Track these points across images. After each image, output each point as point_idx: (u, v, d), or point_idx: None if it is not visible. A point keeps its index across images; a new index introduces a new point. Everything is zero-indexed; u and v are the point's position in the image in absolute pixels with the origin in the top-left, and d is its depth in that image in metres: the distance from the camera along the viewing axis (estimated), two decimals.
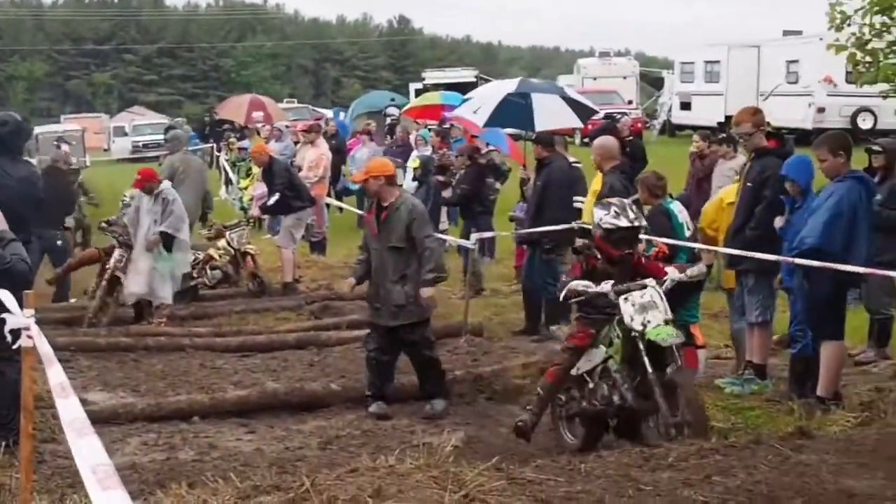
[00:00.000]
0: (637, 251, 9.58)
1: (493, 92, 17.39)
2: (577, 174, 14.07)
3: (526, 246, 14.46)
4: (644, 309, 8.85)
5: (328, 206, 22.15)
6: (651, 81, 57.17)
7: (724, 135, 17.03)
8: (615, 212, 9.21)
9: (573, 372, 9.35)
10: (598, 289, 9.01)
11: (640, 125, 38.99)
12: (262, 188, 18.83)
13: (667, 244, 10.74)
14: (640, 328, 8.75)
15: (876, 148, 11.97)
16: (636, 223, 9.27)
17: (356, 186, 22.69)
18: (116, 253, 13.94)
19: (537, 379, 10.72)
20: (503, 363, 11.50)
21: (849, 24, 9.78)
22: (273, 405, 10.16)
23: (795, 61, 40.10)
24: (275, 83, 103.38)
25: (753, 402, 10.00)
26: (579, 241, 9.94)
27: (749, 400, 10.05)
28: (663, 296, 9.01)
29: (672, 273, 9.34)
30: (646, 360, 8.73)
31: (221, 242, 16.50)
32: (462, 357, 12.29)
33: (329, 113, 44.62)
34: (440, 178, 17.40)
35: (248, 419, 9.85)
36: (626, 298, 8.91)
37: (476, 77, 45.88)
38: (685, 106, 46.53)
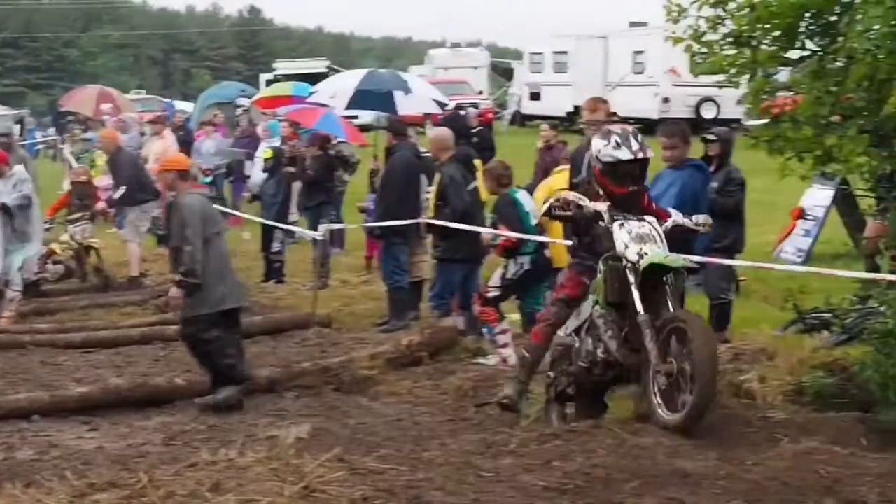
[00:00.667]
0: (645, 188, 8.62)
1: (347, 81, 17.49)
2: (424, 164, 14.14)
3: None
4: (642, 239, 7.99)
5: None
6: (502, 72, 57.55)
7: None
8: (616, 141, 8.18)
9: (561, 332, 8.65)
10: (593, 205, 8.10)
11: (490, 115, 39.26)
12: (107, 180, 18.55)
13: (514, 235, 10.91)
14: (634, 258, 7.88)
15: (710, 137, 12.27)
16: (640, 154, 8.21)
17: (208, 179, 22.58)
18: None
19: (385, 370, 10.82)
20: (351, 354, 11.51)
21: (685, 17, 9.95)
22: (117, 401, 10.03)
23: (641, 52, 40.79)
24: (123, 74, 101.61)
25: None
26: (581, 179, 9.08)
27: None
28: (663, 236, 8.14)
29: (675, 215, 8.49)
30: (636, 295, 7.87)
31: (64, 237, 16.24)
32: (310, 349, 12.29)
33: (180, 104, 44.12)
34: (291, 169, 17.33)
35: (92, 416, 9.71)
36: (621, 224, 8.04)
37: (327, 67, 45.70)
38: (535, 96, 47.01)
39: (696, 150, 11.26)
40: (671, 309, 7.91)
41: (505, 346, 11.05)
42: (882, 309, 10.17)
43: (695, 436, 7.81)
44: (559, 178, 11.72)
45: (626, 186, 8.22)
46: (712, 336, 8.16)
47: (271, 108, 24.81)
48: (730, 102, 35.88)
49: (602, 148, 8.19)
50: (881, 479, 6.98)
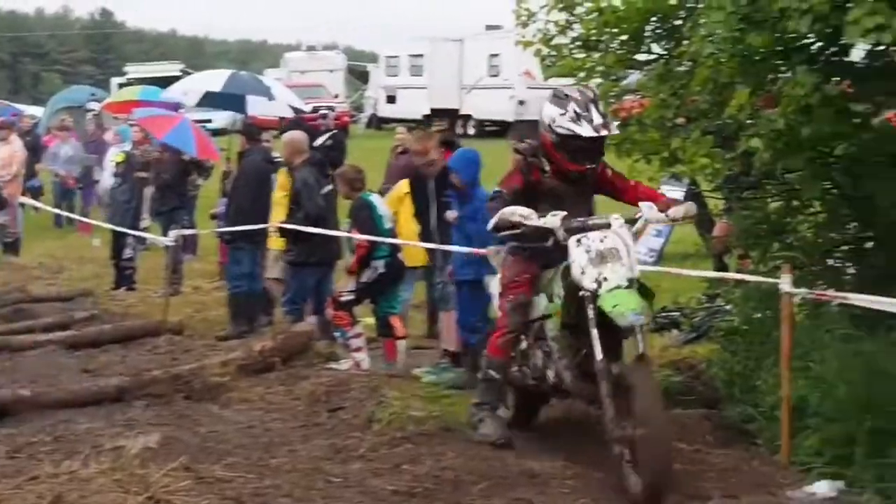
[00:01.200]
0: (601, 165, 7.62)
1: (202, 82, 17.33)
2: (274, 169, 14.04)
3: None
4: (602, 259, 6.88)
5: (22, 205, 21.41)
6: (358, 75, 57.54)
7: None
8: (574, 112, 7.17)
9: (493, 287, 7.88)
10: (542, 222, 7.02)
11: (346, 119, 39.22)
12: None
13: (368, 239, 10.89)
14: (591, 286, 6.81)
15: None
16: (604, 132, 7.28)
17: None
18: None
19: (237, 376, 10.71)
20: (202, 361, 11.36)
21: (535, 21, 10.07)
22: None
23: (497, 55, 41.11)
24: None
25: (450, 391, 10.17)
26: (521, 144, 7.82)
27: (445, 388, 10.21)
28: (631, 241, 7.09)
29: (647, 211, 7.32)
30: (594, 335, 6.79)
31: None
32: (161, 356, 12.10)
33: (29, 109, 43.17)
34: (143, 174, 17.06)
35: None
36: (578, 241, 6.93)
37: (181, 71, 45.20)
38: (391, 99, 47.12)
39: None
40: (641, 349, 6.81)
41: (358, 350, 11.04)
42: (728, 307, 10.39)
43: (543, 437, 7.89)
44: (406, 184, 11.78)
45: (582, 164, 7.33)
46: (659, 399, 6.94)
47: (121, 112, 24.47)
48: None
49: (557, 117, 7.22)
50: (725, 474, 7.14)
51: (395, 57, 48.10)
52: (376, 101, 49.16)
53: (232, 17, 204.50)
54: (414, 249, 11.32)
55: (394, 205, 11.86)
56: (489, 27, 44.44)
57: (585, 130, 7.15)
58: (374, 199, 11.37)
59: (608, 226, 7.01)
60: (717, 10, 7.71)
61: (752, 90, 7.81)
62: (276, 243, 12.70)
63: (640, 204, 7.34)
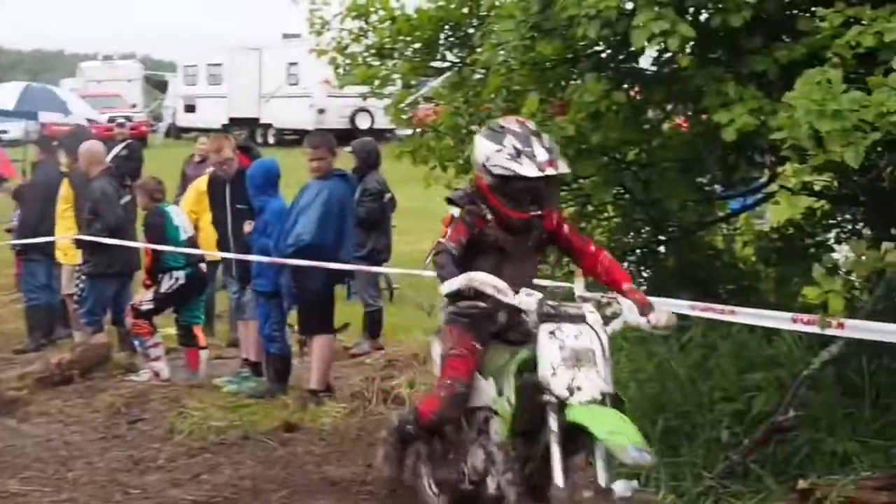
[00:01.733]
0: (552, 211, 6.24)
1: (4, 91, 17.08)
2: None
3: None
4: (577, 360, 5.52)
5: None
6: (156, 84, 56.76)
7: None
8: (513, 147, 5.84)
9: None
10: (517, 301, 5.64)
11: (144, 129, 38.76)
12: None
13: (157, 249, 10.82)
14: (562, 394, 5.44)
15: (347, 149, 12.53)
16: (549, 170, 5.80)
17: None
18: None
19: (35, 389, 10.53)
20: None
21: (329, 29, 10.13)
22: None
23: (295, 63, 41.06)
24: None
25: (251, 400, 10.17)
26: (454, 193, 6.39)
27: (247, 397, 10.20)
28: (606, 343, 5.64)
29: (628, 313, 5.82)
30: (555, 455, 5.41)
31: None
32: None
33: None
34: None
35: None
36: (552, 332, 5.57)
37: None
38: (190, 109, 46.67)
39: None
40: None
41: (157, 359, 10.97)
42: None
43: (344, 443, 7.97)
44: (204, 180, 11.70)
45: (526, 210, 6.00)
46: None
47: None
48: (382, 113, 36.79)
49: (493, 155, 5.89)
50: None
51: (194, 66, 47.63)
52: (175, 110, 48.63)
53: (26, 26, 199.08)
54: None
55: (192, 204, 11.83)
56: (287, 36, 44.29)
57: (528, 170, 5.77)
58: (171, 209, 11.30)
59: (583, 318, 5.65)
60: (507, 18, 7.83)
61: (542, 97, 7.96)
62: (67, 257, 12.49)
63: (620, 300, 5.93)
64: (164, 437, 8.73)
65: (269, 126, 42.72)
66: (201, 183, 11.86)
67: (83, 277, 11.89)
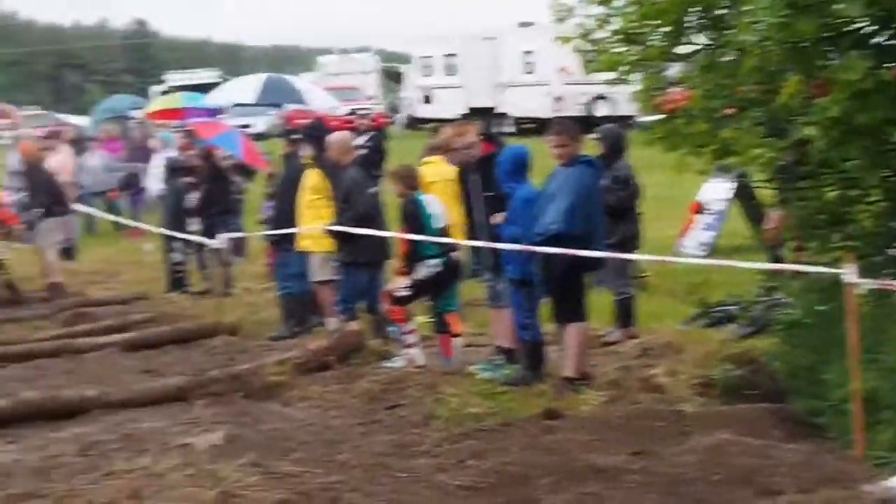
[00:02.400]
0: None
1: (235, 94, 17.56)
2: None
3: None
4: None
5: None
6: (392, 76, 57.59)
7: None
8: None
9: None
10: None
11: (382, 120, 39.42)
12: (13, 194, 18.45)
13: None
14: None
15: (595, 136, 12.47)
16: None
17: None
18: None
19: (294, 375, 10.85)
20: (259, 361, 11.50)
21: (573, 16, 10.10)
22: (30, 414, 9.92)
23: (531, 52, 41.10)
24: (14, 91, 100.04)
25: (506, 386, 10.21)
26: None
27: (501, 384, 10.24)
28: None
29: None
30: None
31: None
32: (218, 357, 12.28)
33: (74, 119, 43.62)
34: (188, 180, 17.22)
35: (6, 430, 9.58)
36: None
37: (220, 77, 45.45)
38: (427, 100, 47.16)
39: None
40: None
41: (412, 346, 11.13)
42: (787, 300, 10.34)
43: (608, 431, 7.94)
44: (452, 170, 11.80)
45: None
46: None
47: (165, 119, 24.78)
48: (623, 99, 36.58)
49: None
50: (796, 469, 7.11)
51: (430, 57, 48.13)
52: (412, 101, 49.22)
53: (265, 23, 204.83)
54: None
55: (440, 189, 11.95)
56: (522, 24, 44.41)
57: None
58: (426, 198, 11.42)
59: None
60: None
61: (802, 77, 7.78)
62: (318, 246, 12.76)
63: None
64: (423, 423, 8.84)
65: (505, 115, 42.89)
66: (447, 172, 12.00)
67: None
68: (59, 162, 19.76)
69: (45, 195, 17.07)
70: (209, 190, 16.46)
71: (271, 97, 18.77)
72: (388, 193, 13.40)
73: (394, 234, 11.74)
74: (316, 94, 19.72)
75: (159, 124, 25.53)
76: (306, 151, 13.04)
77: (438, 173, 12.59)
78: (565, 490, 6.83)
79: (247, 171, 18.91)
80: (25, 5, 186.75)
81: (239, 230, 16.79)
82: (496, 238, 10.41)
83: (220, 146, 17.00)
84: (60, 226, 17.27)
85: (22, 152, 18.42)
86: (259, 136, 30.18)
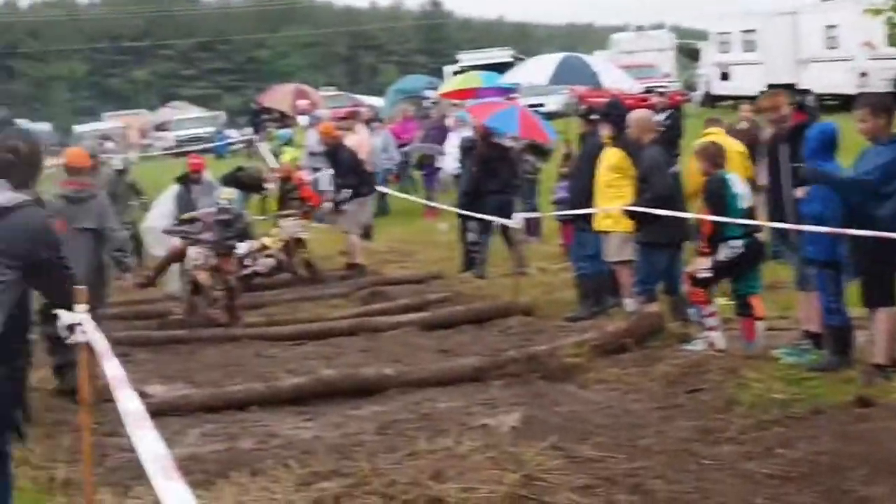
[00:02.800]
0: None
1: (529, 75, 17.61)
2: None
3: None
4: None
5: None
6: (688, 53, 56.71)
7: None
8: None
9: None
10: None
11: (678, 98, 38.84)
12: (322, 173, 19.03)
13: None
14: None
15: None
16: None
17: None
18: (192, 252, 13.75)
19: (591, 357, 10.74)
20: (555, 342, 11.44)
21: None
22: (328, 392, 10.16)
23: (834, 26, 39.78)
24: (311, 72, 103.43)
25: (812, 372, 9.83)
26: None
27: (807, 370, 9.88)
28: None
29: None
30: None
31: (274, 231, 16.64)
32: (514, 337, 12.29)
33: (368, 99, 44.72)
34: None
35: (305, 407, 9.83)
36: None
37: (512, 57, 45.65)
38: (724, 76, 46.26)
39: None
40: None
41: (713, 329, 10.83)
42: None
43: None
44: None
45: None
46: None
47: (461, 98, 25.05)
48: None
49: None
50: None
51: (727, 34, 47.16)
52: (709, 78, 48.36)
53: (558, 1, 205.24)
54: None
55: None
56: None
57: None
58: (731, 177, 11.07)
59: None
60: None
61: None
62: (618, 225, 12.56)
63: None
64: (725, 409, 8.60)
65: (807, 91, 41.66)
66: (730, 145, 11.66)
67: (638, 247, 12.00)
68: (357, 142, 20.21)
69: (352, 176, 17.50)
70: (485, 170, 16.50)
71: (565, 78, 18.59)
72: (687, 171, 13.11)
73: (696, 215, 11.44)
74: (611, 73, 19.40)
75: (454, 104, 25.82)
76: (605, 130, 12.84)
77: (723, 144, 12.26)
78: (882, 482, 6.51)
79: (541, 151, 18.92)
80: None
81: (534, 210, 16.80)
82: (798, 213, 10.01)
83: (495, 126, 16.99)
84: (363, 206, 17.67)
85: (323, 133, 18.91)
86: (551, 116, 30.08)
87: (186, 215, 14.58)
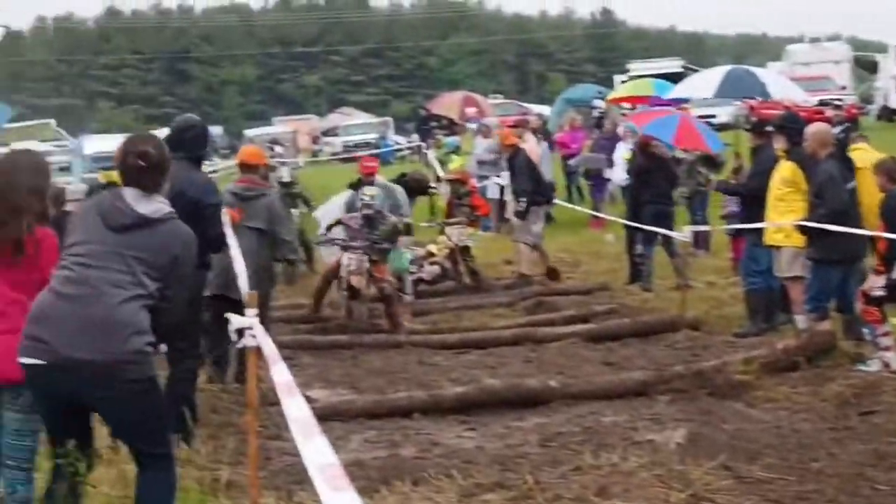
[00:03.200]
0: None
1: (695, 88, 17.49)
2: None
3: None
4: None
5: None
6: (865, 65, 55.42)
7: None
8: None
9: None
10: None
11: (854, 111, 37.96)
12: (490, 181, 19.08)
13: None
14: None
15: None
16: None
17: None
18: (344, 258, 13.69)
19: (760, 374, 10.50)
20: (723, 358, 11.22)
21: None
22: (491, 402, 10.10)
23: None
24: (479, 79, 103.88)
25: None
26: None
27: None
28: None
29: None
30: None
31: (441, 238, 16.68)
32: (680, 352, 12.10)
33: (536, 108, 44.69)
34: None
35: (468, 416, 9.80)
36: None
37: (682, 67, 45.17)
38: None
39: None
40: None
41: (887, 349, 10.52)
42: None
43: None
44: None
45: None
46: None
47: (631, 104, 24.89)
48: None
49: None
50: None
51: None
52: (887, 91, 47.18)
53: (731, 11, 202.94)
54: None
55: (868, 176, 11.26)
56: None
57: None
58: None
59: None
60: None
61: None
62: (789, 240, 12.27)
63: None
64: None
65: None
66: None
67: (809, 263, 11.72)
68: (527, 151, 20.12)
69: (529, 182, 17.46)
70: (643, 179, 16.32)
71: (732, 90, 18.33)
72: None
73: (871, 232, 11.12)
74: (781, 85, 19.03)
75: (624, 113, 25.65)
76: (779, 143, 12.57)
77: (868, 159, 11.89)
78: None
79: (713, 164, 18.66)
80: None
81: (704, 223, 16.55)
82: None
83: (651, 133, 16.79)
84: (537, 216, 17.60)
85: (501, 139, 18.97)
86: (722, 127, 29.70)
87: (332, 221, 14.63)
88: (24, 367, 5.70)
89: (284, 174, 19.03)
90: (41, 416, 5.99)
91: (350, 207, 14.56)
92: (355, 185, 15.24)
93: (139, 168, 6.00)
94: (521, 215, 17.45)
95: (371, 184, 14.46)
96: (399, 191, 15.37)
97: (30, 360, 5.66)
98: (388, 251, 13.93)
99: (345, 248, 13.71)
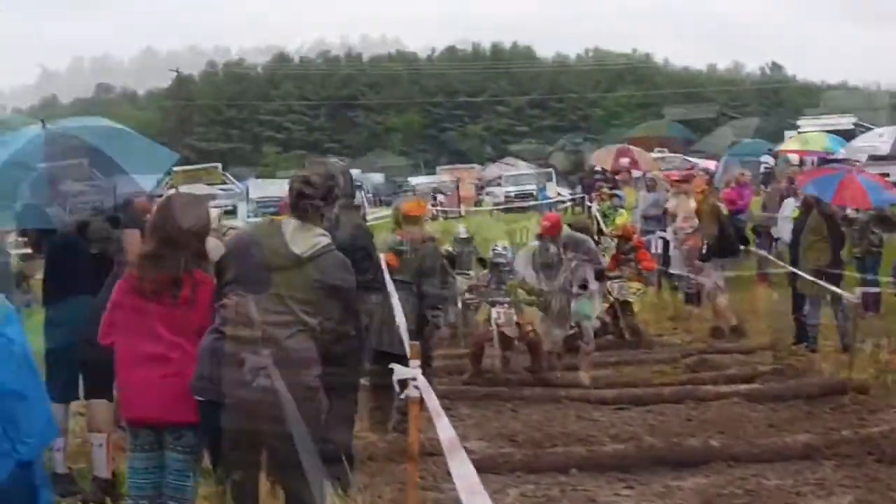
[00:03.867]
0: None
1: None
2: None
3: None
4: None
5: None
6: None
7: None
8: None
9: None
10: None
11: None
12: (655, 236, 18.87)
13: None
14: None
15: None
16: None
17: None
18: (494, 312, 13.90)
19: None
20: (893, 424, 10.87)
21: None
22: (650, 460, 9.95)
23: None
24: (644, 132, 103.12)
25: None
26: None
27: None
28: None
29: None
30: None
31: None
32: (847, 416, 11.76)
33: (704, 162, 44.17)
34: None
35: (626, 474, 9.67)
36: None
37: (854, 125, 44.28)
38: None
39: None
40: None
41: None
42: None
43: None
44: None
45: None
46: None
47: (799, 155, 24.48)
48: None
49: None
50: None
51: None
52: None
53: None
54: None
55: None
56: None
57: None
58: None
59: None
60: None
61: None
62: None
63: None
64: None
65: None
66: None
67: None
68: (691, 206, 19.82)
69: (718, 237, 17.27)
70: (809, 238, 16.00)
71: None
72: None
73: None
74: None
75: (792, 167, 25.21)
76: None
77: None
78: None
79: (889, 224, 18.22)
80: (661, 49, 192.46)
81: (875, 284, 16.13)
82: None
83: (812, 192, 16.45)
84: (721, 269, 17.41)
85: (694, 188, 18.87)
86: None
87: (473, 280, 15.01)
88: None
89: (462, 230, 19.15)
90: None
91: (535, 257, 14.57)
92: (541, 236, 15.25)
93: (300, 194, 6.06)
94: (705, 258, 17.31)
95: (553, 241, 14.45)
96: (588, 240, 15.19)
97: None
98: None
99: (492, 304, 13.95)
